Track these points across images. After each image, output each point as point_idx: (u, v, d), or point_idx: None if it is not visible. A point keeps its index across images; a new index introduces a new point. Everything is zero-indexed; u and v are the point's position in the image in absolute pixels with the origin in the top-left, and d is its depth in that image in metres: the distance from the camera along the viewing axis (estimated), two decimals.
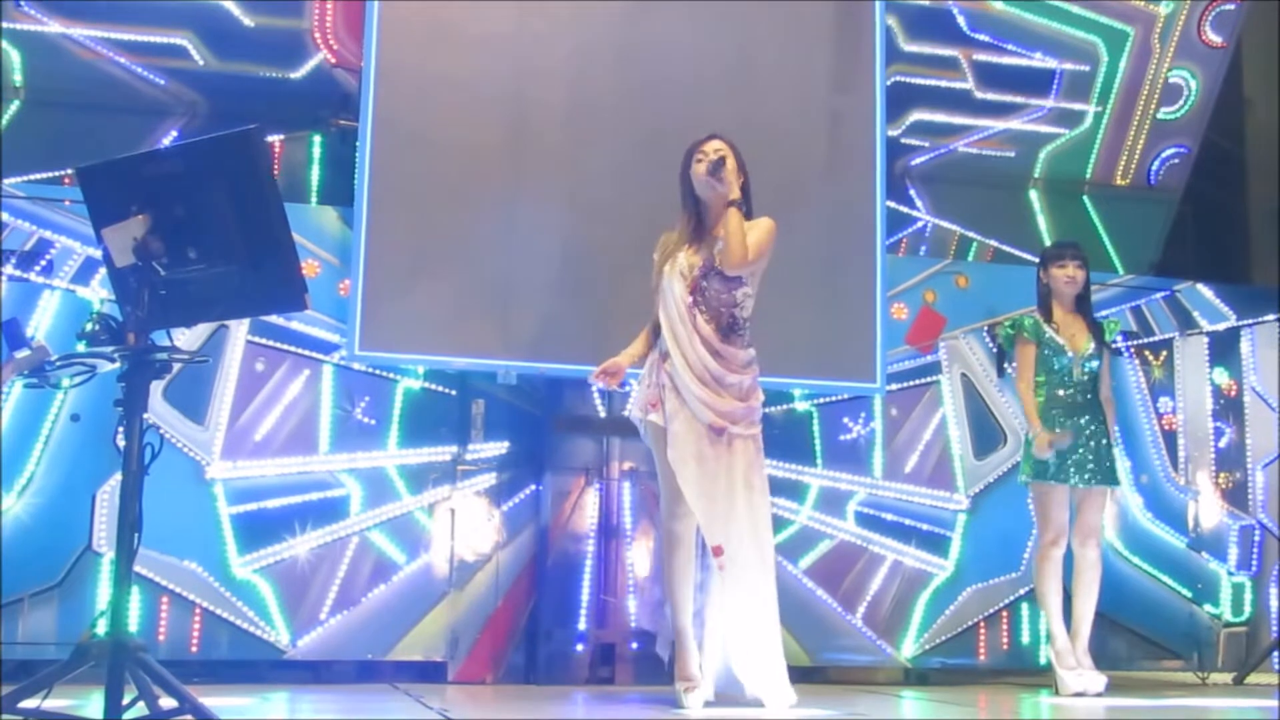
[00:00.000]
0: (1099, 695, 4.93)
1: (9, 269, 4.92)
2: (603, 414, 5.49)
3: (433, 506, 5.28)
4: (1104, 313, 5.81)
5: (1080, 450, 5.07)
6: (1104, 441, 5.12)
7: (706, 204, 4.28)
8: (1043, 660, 5.62)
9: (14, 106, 5.37)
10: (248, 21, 5.51)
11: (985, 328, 6.00)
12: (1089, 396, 5.15)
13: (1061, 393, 5.14)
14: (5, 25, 5.28)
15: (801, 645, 5.49)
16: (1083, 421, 5.10)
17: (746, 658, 4.12)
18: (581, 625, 5.33)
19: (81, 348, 3.19)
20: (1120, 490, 6.02)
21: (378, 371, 5.27)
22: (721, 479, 4.11)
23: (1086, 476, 5.06)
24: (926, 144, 6.50)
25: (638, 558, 5.41)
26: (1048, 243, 6.46)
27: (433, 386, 5.35)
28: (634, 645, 5.27)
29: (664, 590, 4.31)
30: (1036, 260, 5.48)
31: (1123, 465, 6.07)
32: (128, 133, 5.32)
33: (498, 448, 5.40)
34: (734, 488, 4.13)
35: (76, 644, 3.07)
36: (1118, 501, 6.08)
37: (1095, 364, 5.17)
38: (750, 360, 4.25)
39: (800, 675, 4.93)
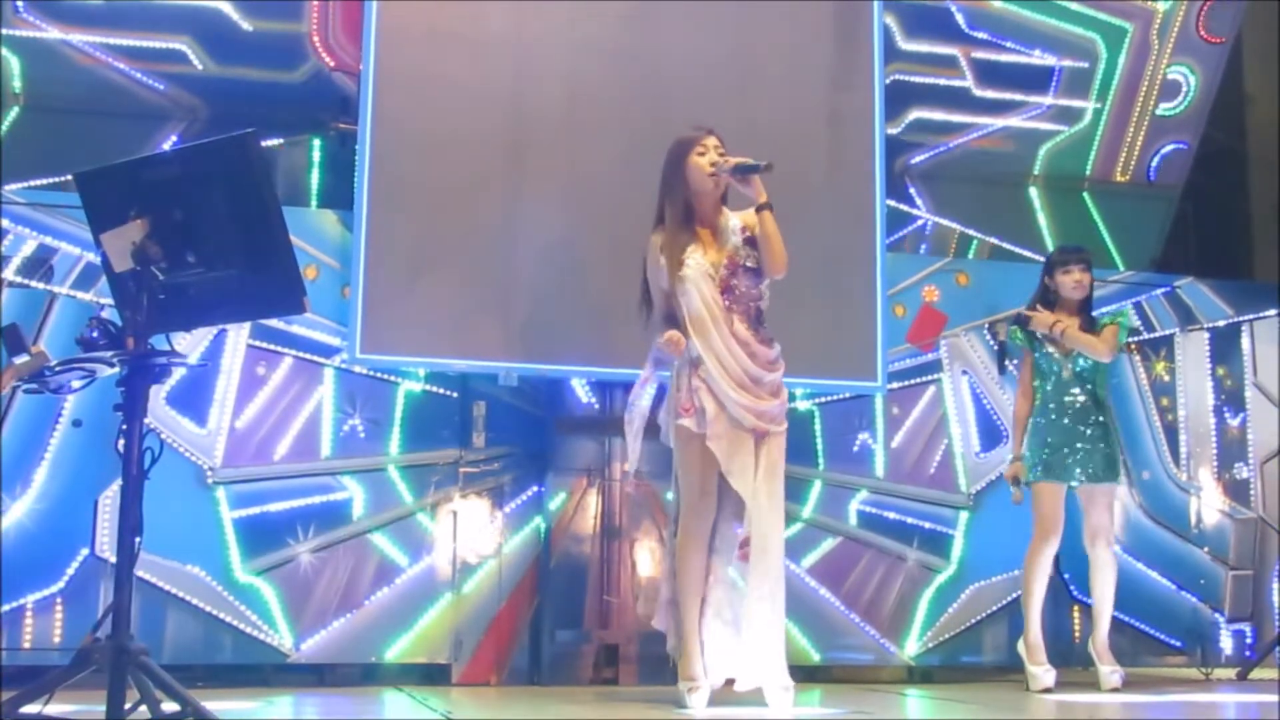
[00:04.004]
0: (1115, 690, 4.96)
1: (10, 275, 4.92)
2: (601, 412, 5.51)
3: (435, 508, 5.28)
4: (1106, 309, 5.81)
5: (1079, 447, 5.11)
6: (1106, 438, 5.17)
7: (699, 198, 4.27)
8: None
9: (14, 113, 5.38)
10: (246, 26, 5.51)
11: (986, 325, 6.00)
12: (1087, 395, 5.20)
13: (1057, 393, 5.20)
14: (4, 31, 5.29)
15: (805, 644, 5.50)
16: (1081, 421, 5.15)
17: (761, 647, 4.13)
18: (585, 626, 5.34)
19: (81, 353, 3.20)
20: (1121, 486, 6.04)
21: (379, 374, 5.28)
22: (757, 475, 4.12)
23: (1089, 473, 5.10)
24: (926, 142, 6.50)
25: (640, 558, 5.41)
26: (1048, 240, 6.50)
27: (434, 389, 5.35)
28: (666, 648, 5.25)
29: (675, 588, 4.29)
30: (1039, 258, 5.56)
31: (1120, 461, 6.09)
32: (128, 138, 5.30)
33: (500, 449, 5.40)
34: (766, 482, 4.13)
35: (78, 648, 3.08)
36: (1119, 497, 6.07)
37: (1085, 362, 5.21)
38: (778, 356, 4.25)
39: (804, 674, 4.94)
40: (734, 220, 4.28)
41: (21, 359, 3.24)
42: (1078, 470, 5.11)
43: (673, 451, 4.28)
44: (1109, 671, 5.04)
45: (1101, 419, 5.20)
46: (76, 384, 3.35)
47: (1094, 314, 5.33)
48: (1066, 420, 5.16)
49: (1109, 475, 5.16)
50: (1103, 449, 5.15)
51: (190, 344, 4.94)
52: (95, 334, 3.14)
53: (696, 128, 4.33)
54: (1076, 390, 5.19)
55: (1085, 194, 6.76)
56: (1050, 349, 5.23)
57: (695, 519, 4.19)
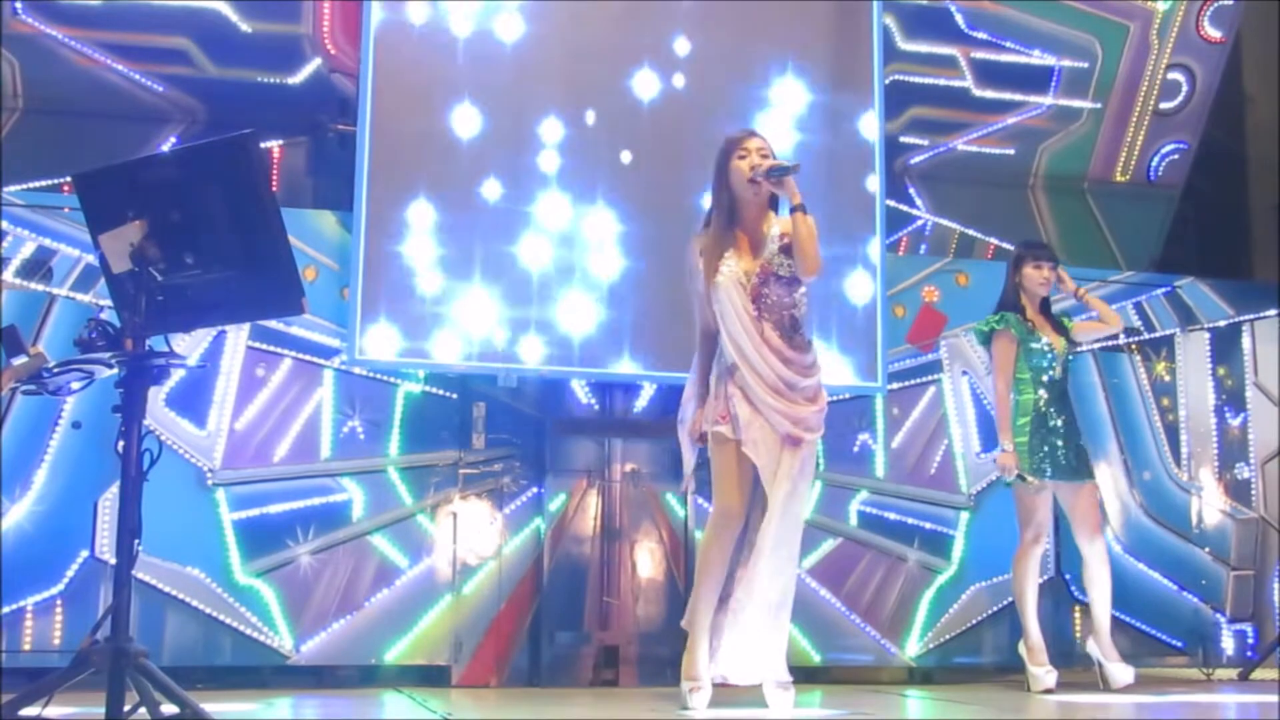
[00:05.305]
0: (1129, 687, 4.94)
1: (9, 277, 4.92)
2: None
3: (435, 510, 5.28)
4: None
5: (1071, 445, 5.11)
6: (1080, 437, 5.18)
7: (741, 201, 4.22)
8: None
9: (13, 114, 5.38)
10: (245, 27, 5.51)
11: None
12: (1066, 392, 5.20)
13: (1044, 390, 5.16)
14: (4, 32, 5.28)
15: (806, 645, 5.49)
16: (1064, 418, 5.14)
17: (764, 645, 4.12)
18: (585, 627, 5.33)
19: (79, 354, 3.19)
20: (1122, 486, 6.05)
21: (378, 376, 5.27)
22: (785, 477, 4.09)
23: (1069, 472, 5.09)
24: (926, 142, 6.50)
25: (640, 560, 5.41)
26: (1048, 240, 6.48)
27: (433, 390, 5.35)
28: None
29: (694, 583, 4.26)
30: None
31: (1121, 461, 6.09)
32: (127, 139, 5.31)
33: (499, 451, 5.40)
34: (793, 485, 4.10)
35: (77, 650, 3.07)
36: (1120, 497, 6.08)
37: (1071, 360, 5.25)
38: (815, 361, 4.19)
39: (805, 675, 4.94)
40: (775, 228, 4.22)
41: (20, 360, 3.23)
42: (1063, 468, 5.09)
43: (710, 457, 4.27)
44: (1124, 667, 5.00)
45: (1075, 418, 5.21)
46: (75, 385, 3.34)
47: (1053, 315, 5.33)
48: (1064, 418, 5.14)
49: (1091, 472, 5.19)
50: (1082, 445, 5.18)
51: (189, 345, 4.94)
52: (94, 335, 3.14)
53: (740, 129, 4.31)
54: (1065, 387, 5.20)
55: (1085, 194, 6.76)
56: (1049, 342, 5.19)
57: (724, 520, 4.15)
